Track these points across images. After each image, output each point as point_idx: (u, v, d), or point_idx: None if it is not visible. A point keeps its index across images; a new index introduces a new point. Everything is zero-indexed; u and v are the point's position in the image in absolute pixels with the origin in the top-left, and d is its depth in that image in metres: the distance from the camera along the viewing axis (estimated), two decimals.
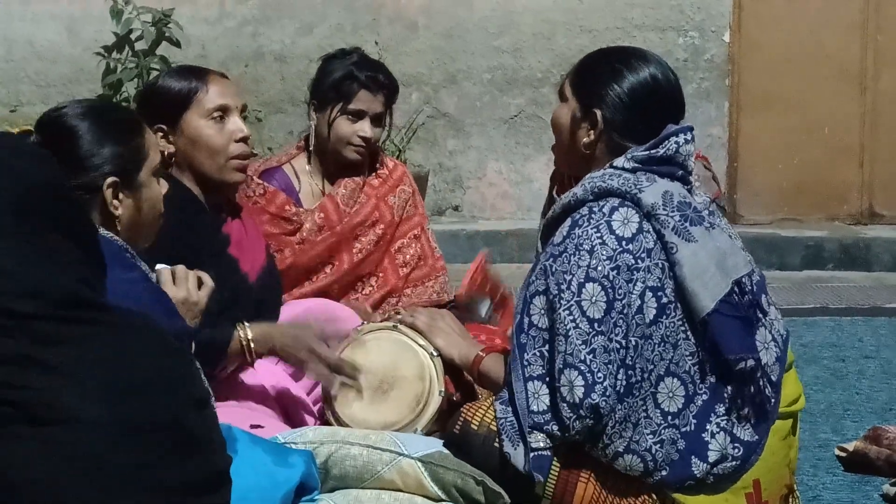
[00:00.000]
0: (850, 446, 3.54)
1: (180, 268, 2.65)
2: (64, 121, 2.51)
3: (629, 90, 2.66)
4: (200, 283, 2.68)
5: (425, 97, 7.81)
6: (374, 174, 3.85)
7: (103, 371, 1.68)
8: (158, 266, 2.66)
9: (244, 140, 3.10)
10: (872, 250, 7.32)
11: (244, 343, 2.89)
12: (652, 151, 2.63)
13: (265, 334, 2.93)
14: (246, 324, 2.90)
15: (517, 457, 2.58)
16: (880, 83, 7.77)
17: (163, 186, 2.61)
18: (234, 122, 3.08)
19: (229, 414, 2.80)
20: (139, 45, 7.06)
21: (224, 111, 3.08)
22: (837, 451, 3.58)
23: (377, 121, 3.76)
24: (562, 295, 2.54)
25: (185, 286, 2.63)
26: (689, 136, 2.67)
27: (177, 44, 7.08)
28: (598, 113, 2.67)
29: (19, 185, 1.72)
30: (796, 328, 5.22)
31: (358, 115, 3.71)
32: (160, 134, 3.03)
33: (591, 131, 2.69)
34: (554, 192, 3.58)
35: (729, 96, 7.70)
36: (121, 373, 1.69)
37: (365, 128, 3.71)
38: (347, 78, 3.72)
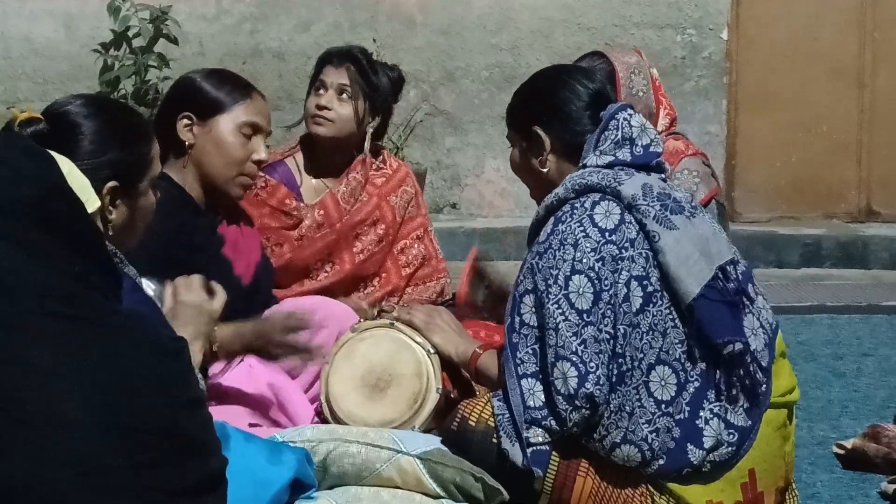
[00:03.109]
0: (849, 444, 3.53)
1: (195, 277, 2.61)
2: (70, 118, 2.44)
3: (552, 96, 2.80)
4: (212, 293, 2.63)
5: (423, 94, 7.81)
6: (377, 172, 3.84)
7: (97, 372, 1.67)
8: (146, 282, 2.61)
9: (259, 164, 3.13)
10: (870, 248, 7.32)
11: (213, 345, 2.86)
12: (607, 133, 2.73)
13: (233, 335, 2.90)
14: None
15: (515, 453, 2.60)
16: (878, 81, 7.77)
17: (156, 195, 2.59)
18: (259, 144, 3.11)
19: (228, 413, 2.81)
20: (137, 42, 7.05)
21: (254, 130, 3.10)
22: (835, 449, 3.57)
23: (344, 93, 3.72)
24: (549, 290, 2.58)
25: (200, 293, 2.57)
26: (629, 112, 2.77)
27: (174, 41, 7.08)
28: (540, 131, 2.79)
29: (17, 184, 1.71)
30: (794, 326, 5.22)
31: (321, 87, 3.72)
32: (185, 121, 3.04)
33: (544, 151, 2.80)
34: None
35: (727, 94, 7.69)
36: (115, 374, 1.68)
37: (322, 97, 3.70)
38: (319, 60, 3.75)
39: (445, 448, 2.69)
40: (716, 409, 2.60)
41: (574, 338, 2.54)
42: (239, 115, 3.08)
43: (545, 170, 2.80)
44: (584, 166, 2.72)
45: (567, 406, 2.54)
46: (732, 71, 7.73)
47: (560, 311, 2.56)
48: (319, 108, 3.71)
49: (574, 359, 2.53)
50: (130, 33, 7.04)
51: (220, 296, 2.60)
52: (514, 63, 7.76)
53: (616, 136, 2.72)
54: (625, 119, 2.74)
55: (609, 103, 2.80)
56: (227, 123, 3.07)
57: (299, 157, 3.82)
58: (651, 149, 2.75)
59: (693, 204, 2.71)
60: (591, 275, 2.56)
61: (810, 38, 7.72)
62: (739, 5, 7.74)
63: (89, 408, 1.64)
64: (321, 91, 3.72)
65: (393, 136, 7.30)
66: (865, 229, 7.60)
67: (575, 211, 2.62)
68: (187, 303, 2.56)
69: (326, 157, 3.79)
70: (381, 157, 3.86)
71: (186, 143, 3.04)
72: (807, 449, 3.65)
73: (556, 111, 2.79)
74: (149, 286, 2.59)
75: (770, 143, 7.78)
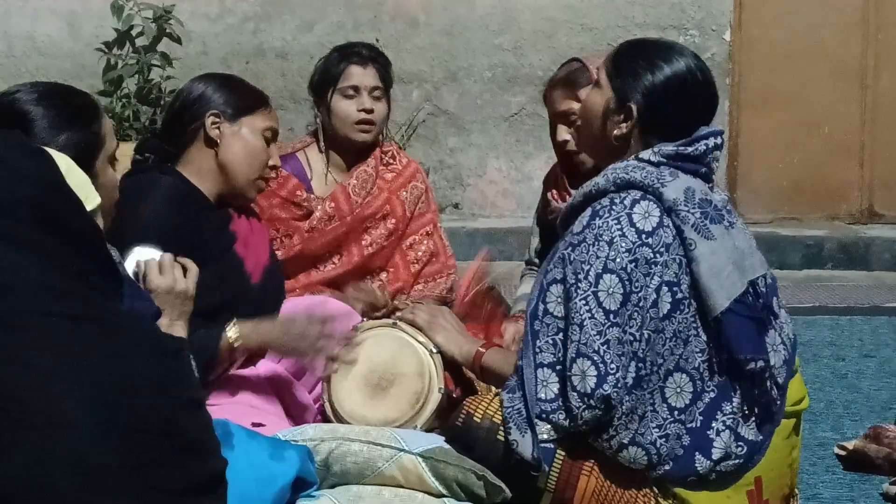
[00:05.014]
0: (850, 445, 3.53)
1: (166, 256, 2.62)
2: (19, 106, 2.44)
3: (667, 87, 2.64)
4: (185, 271, 2.65)
5: (426, 95, 7.81)
6: (387, 167, 3.85)
7: (97, 372, 1.66)
8: (139, 251, 2.61)
9: (274, 169, 3.22)
10: (872, 249, 7.32)
11: (230, 343, 2.88)
12: (681, 149, 2.62)
13: (255, 329, 2.92)
14: (233, 323, 2.90)
15: (524, 445, 2.57)
16: (881, 82, 7.77)
17: (118, 173, 2.59)
18: (274, 150, 3.21)
19: (231, 412, 2.81)
20: (140, 41, 7.06)
21: (273, 136, 3.20)
22: (837, 450, 3.56)
23: (376, 96, 3.75)
24: (579, 284, 2.54)
25: (171, 274, 2.59)
26: (719, 141, 2.66)
27: (178, 40, 7.09)
28: (634, 108, 2.65)
29: (17, 183, 1.71)
30: (796, 327, 5.14)
31: (354, 91, 3.72)
32: (214, 119, 3.11)
33: (625, 124, 2.67)
34: (549, 196, 3.58)
35: (729, 95, 7.69)
36: (115, 374, 1.68)
37: (364, 102, 3.71)
38: (333, 61, 3.77)
39: (447, 446, 2.68)
40: (728, 422, 2.58)
41: (598, 337, 2.51)
42: (263, 119, 3.18)
43: (617, 133, 2.66)
44: (637, 157, 2.63)
45: (581, 404, 2.51)
46: (735, 72, 7.73)
47: (587, 307, 2.52)
48: (367, 112, 3.71)
49: (595, 358, 2.50)
50: (134, 32, 7.04)
51: (192, 271, 2.62)
52: (516, 63, 7.76)
53: (689, 151, 2.62)
54: (706, 145, 2.63)
55: (710, 113, 2.70)
56: (253, 125, 3.16)
57: (311, 152, 3.83)
58: (705, 168, 2.66)
59: (733, 212, 2.66)
60: (623, 275, 2.51)
61: (813, 39, 7.72)
62: (742, 6, 7.74)
63: (89, 407, 1.64)
64: (354, 95, 3.73)
65: (396, 136, 7.29)
66: (867, 230, 7.59)
67: (614, 207, 2.55)
68: (159, 287, 2.56)
69: (352, 156, 3.81)
70: (390, 153, 3.87)
71: (215, 139, 3.10)
72: (808, 450, 3.65)
73: (669, 114, 2.64)
74: (133, 260, 2.59)
75: (772, 144, 7.78)
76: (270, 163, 3.18)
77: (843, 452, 3.54)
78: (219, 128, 3.11)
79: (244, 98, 3.18)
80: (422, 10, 7.79)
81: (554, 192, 3.54)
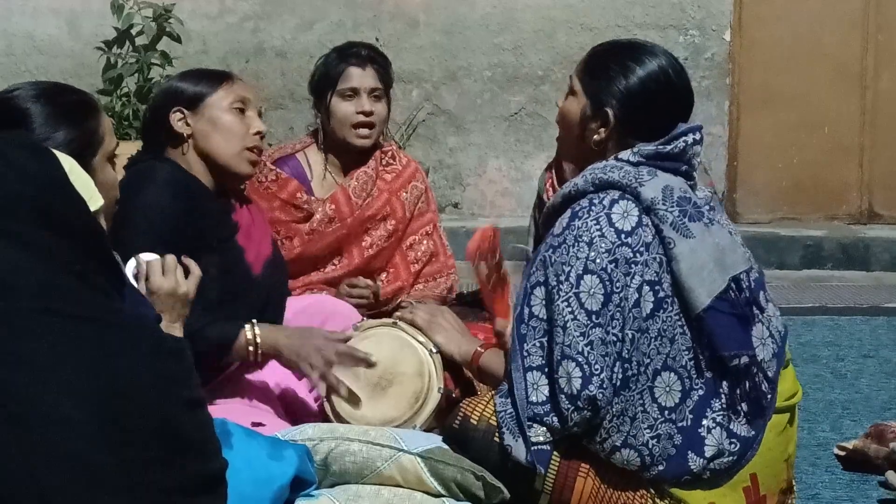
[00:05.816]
0: (850, 445, 3.54)
1: (169, 258, 2.62)
2: (16, 103, 2.45)
3: (641, 89, 2.66)
4: (187, 272, 2.65)
5: (426, 94, 7.81)
6: (386, 168, 3.84)
7: (95, 371, 1.66)
8: (143, 256, 2.61)
9: (260, 135, 3.16)
10: (872, 250, 7.32)
11: (251, 342, 2.87)
12: (660, 148, 2.64)
13: (271, 338, 2.91)
14: (255, 322, 2.89)
15: (518, 449, 2.58)
16: (881, 83, 7.76)
17: (118, 173, 2.59)
18: (253, 117, 3.16)
19: (232, 411, 2.81)
20: (140, 41, 7.05)
21: (244, 103, 3.15)
22: (836, 451, 3.57)
23: (375, 97, 3.74)
24: (560, 286, 2.55)
25: (174, 277, 2.59)
26: (697, 136, 2.68)
27: (177, 39, 7.08)
28: (610, 112, 2.66)
29: (20, 182, 1.71)
30: (795, 327, 5.21)
31: (352, 93, 3.71)
32: (178, 115, 3.09)
33: (602, 129, 2.69)
34: (545, 196, 3.58)
35: (729, 95, 7.69)
36: (113, 373, 1.68)
37: (363, 103, 3.70)
38: (332, 62, 3.75)
39: (446, 446, 2.69)
40: (719, 419, 2.59)
41: (581, 338, 2.52)
42: (225, 94, 3.14)
43: (596, 138, 2.68)
44: (616, 157, 2.64)
45: (569, 406, 2.53)
46: (735, 72, 7.73)
47: (569, 309, 2.53)
48: (366, 114, 3.69)
49: (580, 359, 2.51)
50: (134, 31, 7.04)
51: (194, 273, 2.62)
52: (516, 63, 7.76)
53: (667, 150, 2.63)
54: (685, 141, 2.65)
55: (686, 111, 2.72)
56: (217, 103, 3.12)
57: (311, 153, 3.82)
58: (686, 165, 2.67)
59: (715, 209, 2.66)
60: (604, 276, 2.53)
61: (813, 39, 7.72)
62: (742, 6, 7.73)
63: (86, 406, 1.64)
64: (353, 96, 3.71)
65: (395, 136, 7.29)
66: (867, 231, 7.59)
67: (593, 207, 2.57)
68: (161, 289, 2.55)
69: (352, 157, 3.80)
70: (390, 153, 3.86)
71: (185, 134, 3.08)
72: (807, 450, 3.65)
73: (645, 116, 2.66)
74: (133, 264, 2.58)
75: (772, 145, 7.78)
76: (252, 131, 3.13)
77: (842, 453, 3.55)
78: (186, 121, 3.10)
79: (200, 82, 3.15)
80: (422, 10, 7.79)
81: (553, 185, 3.56)
